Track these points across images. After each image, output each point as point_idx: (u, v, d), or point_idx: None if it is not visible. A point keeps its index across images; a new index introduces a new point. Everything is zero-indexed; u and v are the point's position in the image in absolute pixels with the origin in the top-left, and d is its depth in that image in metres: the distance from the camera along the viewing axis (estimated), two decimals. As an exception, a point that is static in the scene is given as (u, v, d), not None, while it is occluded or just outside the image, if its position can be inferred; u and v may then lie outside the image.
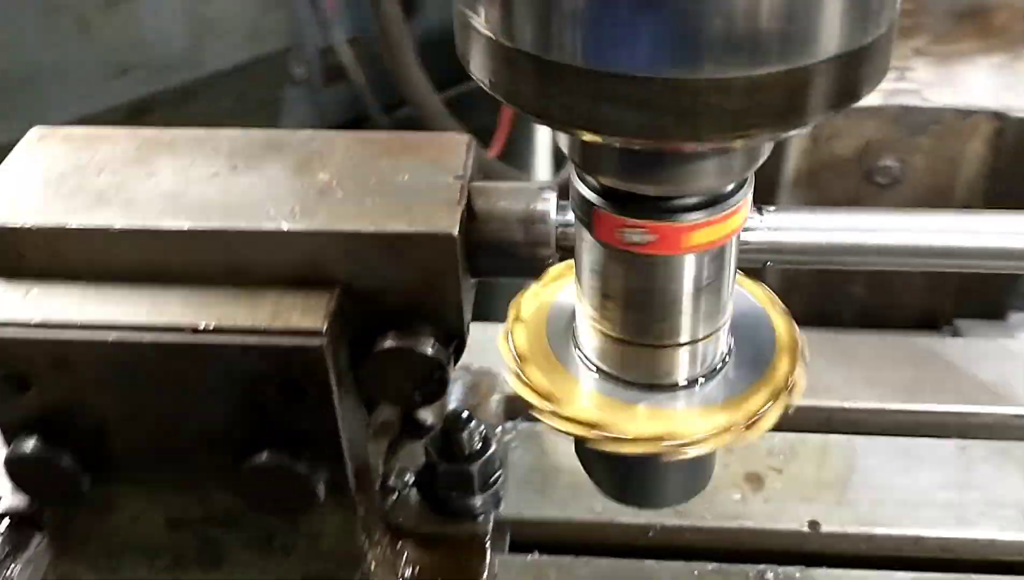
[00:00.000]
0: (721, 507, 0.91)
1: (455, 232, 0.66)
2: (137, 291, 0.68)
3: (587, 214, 0.57)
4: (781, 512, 0.90)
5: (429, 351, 0.68)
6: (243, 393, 0.68)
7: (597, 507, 0.92)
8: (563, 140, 0.55)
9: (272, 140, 0.75)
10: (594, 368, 0.66)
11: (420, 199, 0.68)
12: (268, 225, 0.67)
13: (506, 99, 0.50)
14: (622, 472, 0.68)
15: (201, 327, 0.66)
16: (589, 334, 0.64)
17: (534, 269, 0.70)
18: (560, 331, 0.67)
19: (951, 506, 0.89)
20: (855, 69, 0.46)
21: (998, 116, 1.33)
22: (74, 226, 0.67)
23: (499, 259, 0.70)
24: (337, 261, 0.67)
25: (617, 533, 0.91)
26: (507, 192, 0.70)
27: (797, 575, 0.86)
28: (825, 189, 1.44)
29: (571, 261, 0.66)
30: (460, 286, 0.68)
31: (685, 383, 0.63)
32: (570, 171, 0.58)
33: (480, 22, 0.49)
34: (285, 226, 0.67)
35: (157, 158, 0.73)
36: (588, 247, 0.60)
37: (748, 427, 0.62)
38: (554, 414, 0.65)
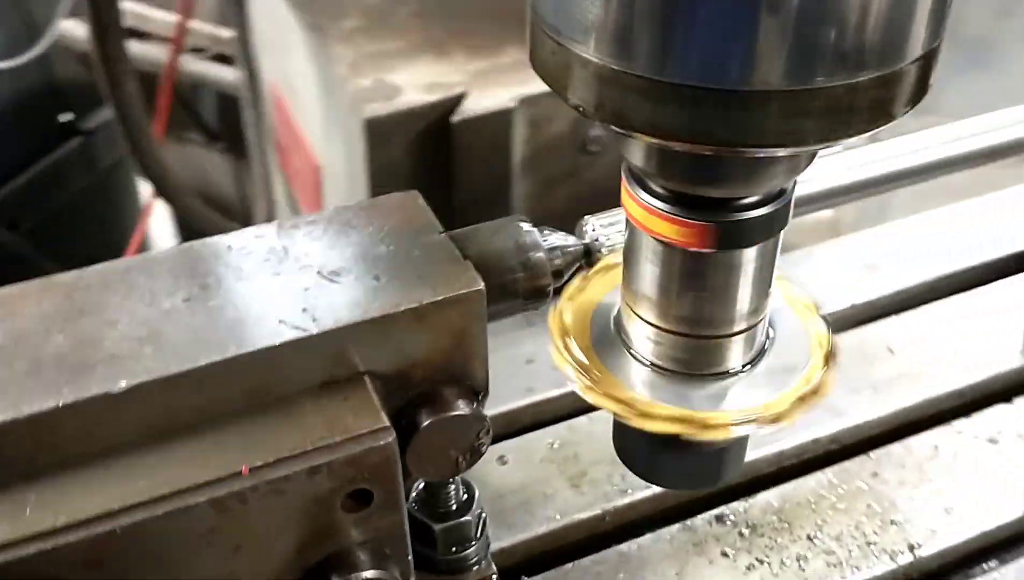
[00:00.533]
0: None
1: (482, 286, 0.65)
2: (151, 455, 0.60)
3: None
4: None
5: (469, 412, 0.67)
6: (303, 524, 0.62)
7: (552, 514, 0.95)
8: (638, 154, 0.57)
9: (216, 249, 0.68)
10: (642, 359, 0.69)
11: (425, 264, 0.66)
12: (292, 334, 0.61)
13: (616, 122, 0.52)
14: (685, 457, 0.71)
15: (256, 466, 0.59)
16: (637, 326, 0.67)
17: (537, 302, 0.71)
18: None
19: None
20: (928, 68, 0.52)
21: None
22: (68, 402, 0.57)
23: (505, 300, 0.70)
24: (364, 350, 0.64)
25: (580, 530, 0.94)
26: (489, 232, 0.71)
27: (742, 508, 0.96)
28: (546, 167, 1.54)
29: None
30: (486, 340, 0.67)
31: (717, 373, 0.67)
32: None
33: (588, 51, 0.50)
34: (314, 329, 0.62)
35: (102, 300, 0.64)
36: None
37: (772, 420, 0.66)
38: (600, 393, 0.67)
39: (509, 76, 1.50)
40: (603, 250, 0.72)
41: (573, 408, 1.05)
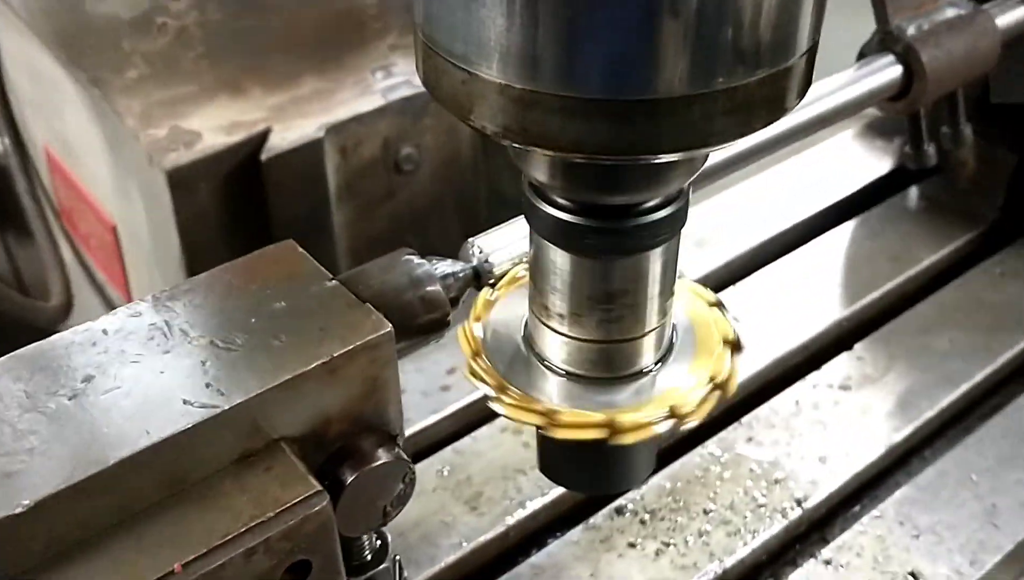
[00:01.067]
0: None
1: (390, 328, 0.63)
2: (71, 569, 0.54)
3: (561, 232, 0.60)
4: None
5: (392, 459, 0.65)
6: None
7: (456, 541, 0.93)
8: (542, 169, 0.57)
9: (89, 337, 0.63)
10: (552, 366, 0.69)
11: (324, 315, 0.64)
12: (202, 414, 0.57)
13: (524, 140, 0.51)
14: (594, 461, 0.72)
15: (188, 560, 0.55)
16: (545, 335, 0.67)
17: (438, 334, 0.70)
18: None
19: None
20: (812, 60, 0.55)
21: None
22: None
23: (408, 338, 0.68)
24: (277, 415, 0.61)
25: (487, 552, 0.94)
26: (380, 271, 0.69)
27: (638, 496, 0.98)
28: (362, 192, 1.52)
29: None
30: (399, 382, 0.65)
31: (631, 374, 0.68)
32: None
33: (491, 72, 0.49)
34: (224, 404, 0.58)
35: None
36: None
37: (686, 415, 0.68)
38: (511, 405, 0.67)
39: (310, 106, 1.46)
40: (494, 270, 0.72)
41: (452, 431, 1.04)
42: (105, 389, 0.59)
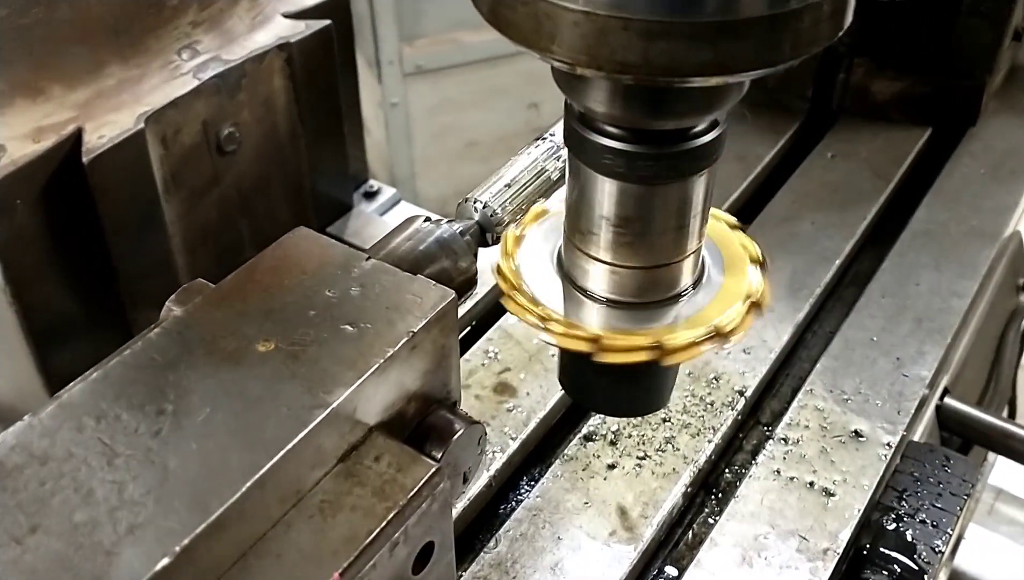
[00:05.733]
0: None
1: (453, 294, 0.62)
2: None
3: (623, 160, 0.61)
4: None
5: (469, 426, 0.64)
6: (382, 602, 0.56)
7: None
8: (608, 100, 0.57)
9: (145, 355, 0.57)
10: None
11: (381, 293, 0.61)
12: (313, 415, 0.54)
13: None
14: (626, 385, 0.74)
15: (344, 568, 0.53)
16: (584, 265, 0.68)
17: (468, 293, 0.69)
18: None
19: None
20: None
21: (281, 47, 1.46)
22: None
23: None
24: (371, 403, 0.58)
25: (475, 507, 0.94)
26: (405, 240, 0.68)
27: (598, 419, 1.01)
28: (189, 179, 1.42)
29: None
30: (458, 347, 0.65)
31: (671, 297, 0.71)
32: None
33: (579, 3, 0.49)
34: (332, 401, 0.55)
35: (46, 471, 0.51)
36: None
37: (728, 335, 0.70)
38: (559, 334, 0.68)
39: (119, 98, 1.34)
40: (501, 223, 0.72)
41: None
42: (193, 416, 0.54)
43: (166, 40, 1.41)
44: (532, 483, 0.97)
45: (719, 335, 0.69)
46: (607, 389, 0.74)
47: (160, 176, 1.38)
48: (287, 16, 1.50)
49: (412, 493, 0.56)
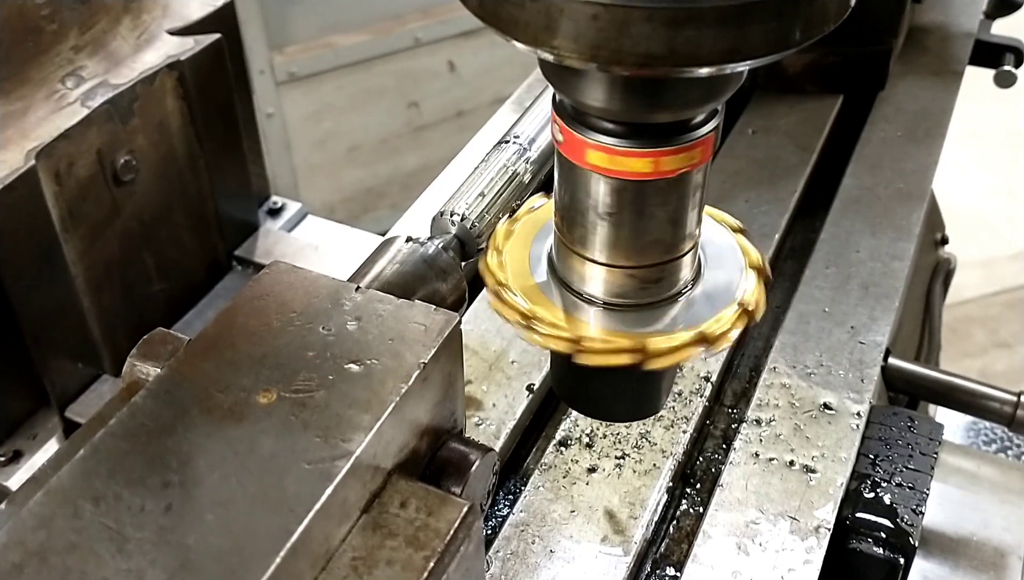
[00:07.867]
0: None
1: (457, 317, 0.58)
2: None
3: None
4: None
5: (483, 456, 0.60)
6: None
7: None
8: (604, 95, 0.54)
9: (134, 425, 0.51)
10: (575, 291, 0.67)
11: (381, 325, 0.57)
12: (337, 467, 0.50)
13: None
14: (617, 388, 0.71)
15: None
16: (573, 263, 0.65)
17: (460, 309, 0.65)
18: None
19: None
20: None
21: (171, 66, 1.37)
22: None
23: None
24: (387, 445, 0.54)
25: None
26: (391, 265, 0.63)
27: (569, 422, 0.98)
28: (88, 214, 1.33)
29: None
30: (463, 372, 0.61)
31: (662, 300, 0.68)
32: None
33: None
34: (354, 449, 0.50)
35: (68, 563, 0.45)
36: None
37: (714, 341, 0.68)
38: (542, 334, 0.65)
39: (5, 134, 1.24)
40: (482, 235, 0.68)
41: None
42: (203, 485, 0.49)
43: (48, 68, 1.31)
44: (511, 497, 0.94)
45: (705, 340, 0.67)
46: (605, 393, 0.72)
47: (56, 213, 1.28)
48: (172, 33, 1.42)
49: (448, 538, 0.52)
